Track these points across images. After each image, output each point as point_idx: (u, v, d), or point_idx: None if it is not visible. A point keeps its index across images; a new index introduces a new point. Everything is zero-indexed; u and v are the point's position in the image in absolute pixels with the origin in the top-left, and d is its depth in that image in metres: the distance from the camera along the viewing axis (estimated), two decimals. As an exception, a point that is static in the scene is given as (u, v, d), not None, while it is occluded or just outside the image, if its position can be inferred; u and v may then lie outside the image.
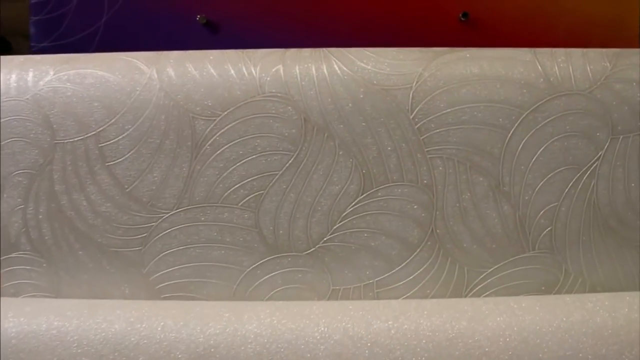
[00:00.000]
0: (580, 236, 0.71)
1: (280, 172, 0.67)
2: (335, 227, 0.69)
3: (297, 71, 0.66)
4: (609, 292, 0.72)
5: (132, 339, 0.64)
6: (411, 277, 0.71)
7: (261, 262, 0.70)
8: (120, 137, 0.66)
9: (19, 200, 0.68)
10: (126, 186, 0.67)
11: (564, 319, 0.67)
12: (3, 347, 0.62)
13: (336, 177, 0.67)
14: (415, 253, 0.70)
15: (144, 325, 0.65)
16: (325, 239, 0.69)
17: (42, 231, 0.69)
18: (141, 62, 0.67)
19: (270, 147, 0.66)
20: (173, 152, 0.66)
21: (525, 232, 0.70)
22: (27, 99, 0.67)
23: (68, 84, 0.66)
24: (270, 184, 0.67)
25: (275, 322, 0.66)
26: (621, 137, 0.68)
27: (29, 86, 0.68)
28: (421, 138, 0.67)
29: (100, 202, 0.67)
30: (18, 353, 0.62)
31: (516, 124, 0.67)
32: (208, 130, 0.66)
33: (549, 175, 0.69)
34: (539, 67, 0.67)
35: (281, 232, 0.69)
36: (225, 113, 0.66)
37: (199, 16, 1.01)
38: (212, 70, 0.66)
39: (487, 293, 0.72)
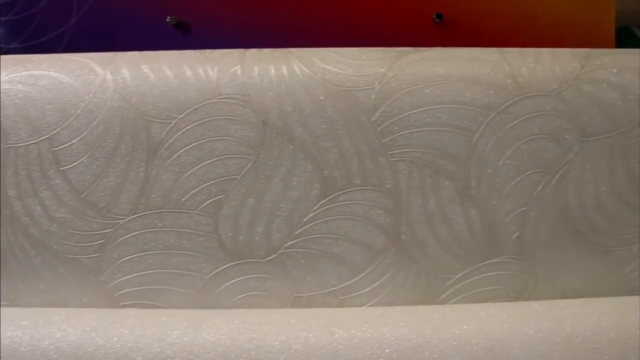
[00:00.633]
0: (550, 241, 0.68)
1: (239, 177, 0.64)
2: (296, 233, 0.66)
3: (256, 72, 0.63)
4: (580, 299, 0.69)
5: (88, 348, 0.61)
6: (376, 284, 0.68)
7: (221, 268, 0.67)
8: (74, 140, 0.63)
9: (-28, 205, 0.65)
10: (81, 191, 0.64)
11: (533, 327, 0.64)
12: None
13: (296, 181, 0.64)
14: (380, 259, 0.67)
15: (100, 335, 0.62)
16: (286, 245, 0.66)
17: (-5, 238, 0.66)
18: (95, 63, 0.64)
19: (228, 150, 0.63)
20: (129, 156, 0.63)
21: (493, 238, 0.67)
22: (-21, 101, 0.64)
23: (20, 85, 0.63)
24: (229, 189, 0.64)
25: (234, 330, 0.63)
26: (591, 139, 0.66)
27: (-20, 88, 0.65)
28: (384, 141, 0.64)
29: (55, 208, 0.64)
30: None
31: (482, 126, 0.64)
32: (164, 133, 0.63)
33: (518, 179, 0.66)
34: (507, 67, 0.64)
35: (241, 238, 0.66)
36: (182, 116, 0.63)
37: (169, 17, 0.98)
38: (168, 72, 0.63)
39: (455, 300, 0.70)
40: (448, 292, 0.70)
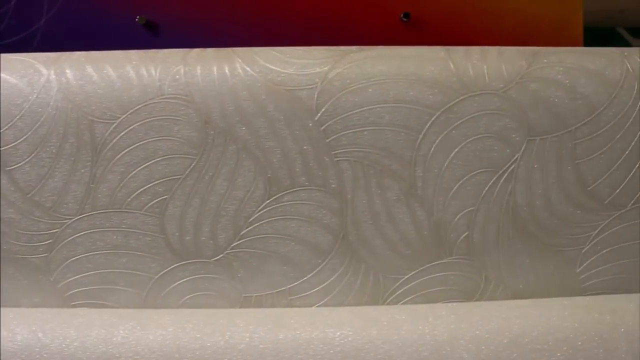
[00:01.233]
0: (499, 241, 0.67)
1: (183, 177, 0.64)
2: (242, 233, 0.65)
3: (199, 72, 0.62)
4: (529, 299, 0.68)
5: (35, 348, 0.62)
6: (325, 284, 0.68)
7: (169, 268, 0.67)
8: (19, 141, 0.63)
9: None
10: (27, 191, 0.64)
11: (480, 328, 0.64)
12: None
13: (240, 181, 0.64)
14: (327, 260, 0.67)
15: (46, 335, 0.62)
16: (233, 245, 0.66)
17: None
18: (40, 63, 0.64)
19: (171, 150, 0.63)
20: (73, 156, 0.63)
21: (441, 238, 0.66)
22: None
23: (-35, 86, 0.63)
24: (174, 189, 0.64)
25: (179, 330, 0.63)
26: (538, 138, 0.65)
27: None
28: (327, 140, 0.63)
29: (2, 208, 0.64)
30: None
31: (427, 126, 0.63)
32: (107, 133, 0.63)
33: (464, 179, 0.65)
34: (452, 66, 0.64)
35: (187, 238, 0.65)
36: (124, 116, 0.62)
37: (138, 17, 0.98)
38: (111, 72, 0.63)
39: (406, 300, 0.69)
40: (398, 292, 0.69)
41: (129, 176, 0.64)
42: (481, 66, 0.64)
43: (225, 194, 0.65)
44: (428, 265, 0.68)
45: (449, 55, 0.65)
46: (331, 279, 0.68)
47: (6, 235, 0.66)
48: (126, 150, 0.64)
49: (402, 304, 0.69)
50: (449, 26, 0.97)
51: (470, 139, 0.64)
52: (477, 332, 0.64)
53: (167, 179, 0.64)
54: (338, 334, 0.63)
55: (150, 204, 0.65)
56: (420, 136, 0.64)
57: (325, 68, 0.63)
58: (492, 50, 0.66)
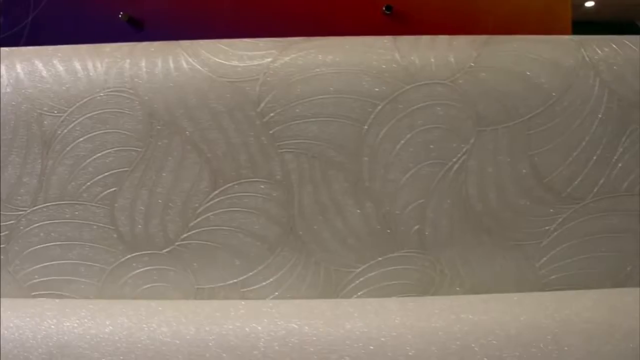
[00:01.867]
0: (453, 235, 0.67)
1: (131, 169, 0.65)
2: (191, 225, 0.66)
3: (143, 65, 0.63)
4: (485, 294, 0.67)
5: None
6: (276, 277, 0.68)
7: (122, 260, 0.68)
8: (-28, 134, 0.65)
9: None
10: (-17, 183, 0.66)
11: (429, 322, 0.63)
12: None
13: (186, 173, 0.64)
14: (277, 252, 0.67)
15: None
16: (182, 236, 0.67)
17: None
18: (-8, 58, 0.65)
19: (118, 143, 0.64)
20: (24, 149, 0.65)
21: (392, 231, 0.66)
22: None
23: None
24: (122, 181, 0.65)
25: (126, 320, 0.64)
26: (489, 129, 0.64)
27: None
28: (270, 132, 0.63)
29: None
30: None
31: (372, 116, 0.63)
32: (56, 126, 0.64)
33: (413, 170, 0.64)
34: (397, 56, 0.63)
35: (138, 229, 0.67)
36: (72, 109, 0.64)
37: (121, 13, 1.00)
38: (59, 66, 0.64)
39: (359, 294, 0.69)
40: (351, 286, 0.69)
41: (78, 168, 0.65)
42: (428, 55, 0.63)
43: (172, 186, 0.65)
44: (380, 259, 0.67)
45: (396, 44, 0.64)
46: (282, 272, 0.68)
47: (-34, 226, 0.68)
48: (75, 143, 0.65)
49: (355, 297, 0.69)
50: (432, 18, 0.96)
51: (418, 129, 0.63)
52: (426, 327, 0.63)
53: (115, 171, 0.65)
54: (284, 326, 0.63)
55: (100, 196, 0.66)
56: (366, 127, 0.63)
57: (269, 59, 0.63)
58: (442, 39, 0.65)
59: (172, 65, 0.64)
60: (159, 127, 0.64)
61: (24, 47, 0.67)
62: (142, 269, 0.69)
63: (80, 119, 0.64)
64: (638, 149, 0.65)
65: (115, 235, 0.68)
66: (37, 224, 0.68)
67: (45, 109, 0.64)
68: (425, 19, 0.93)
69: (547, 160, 0.65)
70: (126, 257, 0.68)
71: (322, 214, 0.66)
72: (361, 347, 0.62)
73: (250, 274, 0.68)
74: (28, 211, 0.67)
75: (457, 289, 0.69)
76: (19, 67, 0.65)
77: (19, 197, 0.67)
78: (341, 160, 0.64)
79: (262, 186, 0.65)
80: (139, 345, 0.63)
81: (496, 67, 0.63)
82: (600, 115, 0.64)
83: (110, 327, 0.64)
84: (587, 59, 0.63)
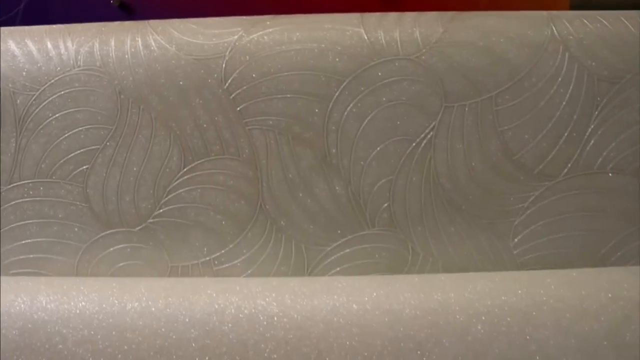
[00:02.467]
0: (423, 213, 0.67)
1: (102, 147, 0.67)
2: (162, 202, 0.68)
3: (112, 44, 0.66)
4: (456, 273, 0.68)
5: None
6: (248, 255, 0.70)
7: (96, 237, 0.70)
8: (-50, 113, 0.67)
9: None
10: (-39, 162, 0.68)
11: (398, 300, 0.64)
12: None
13: (156, 150, 0.66)
14: (247, 229, 0.69)
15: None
16: (154, 214, 0.69)
17: None
18: (-32, 38, 0.68)
19: (89, 121, 0.67)
20: (-1, 128, 0.67)
21: (361, 208, 0.67)
22: None
23: None
24: (94, 159, 0.67)
25: (97, 296, 0.66)
26: (456, 105, 0.64)
27: None
28: (237, 109, 0.65)
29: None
30: None
31: (337, 93, 0.64)
32: (29, 105, 0.67)
33: (380, 147, 0.66)
34: (362, 32, 0.64)
35: (110, 207, 0.69)
36: (44, 87, 0.66)
37: (112, -1, 1.02)
38: (31, 46, 0.67)
39: (331, 272, 0.70)
40: (323, 264, 0.70)
41: (51, 147, 0.68)
42: (394, 32, 0.64)
43: (143, 163, 0.67)
44: (351, 237, 0.68)
45: (362, 21, 0.65)
46: (254, 249, 0.69)
47: (-54, 204, 0.71)
48: (47, 121, 0.67)
49: (328, 276, 0.70)
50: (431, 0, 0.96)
51: (383, 106, 0.65)
52: (393, 305, 0.64)
53: (87, 148, 0.67)
54: (253, 303, 0.65)
55: (73, 174, 0.68)
56: (331, 104, 0.65)
57: (235, 37, 0.65)
58: (409, 16, 0.66)
59: (140, 43, 0.66)
60: (128, 105, 0.66)
61: (-1, 28, 0.69)
62: (116, 247, 0.71)
63: (52, 97, 0.67)
64: (610, 125, 0.65)
65: (89, 213, 0.70)
66: (14, 202, 0.70)
67: (18, 87, 0.67)
68: (424, 1, 0.93)
69: (517, 136, 0.65)
70: (100, 235, 0.70)
71: (291, 191, 0.67)
72: (329, 323, 0.63)
73: (223, 251, 0.70)
74: (5, 189, 0.70)
75: (430, 268, 0.69)
76: (-7, 47, 0.67)
77: (-5, 176, 0.69)
78: (308, 136, 0.66)
79: (230, 163, 0.67)
80: (110, 320, 0.65)
81: (463, 43, 0.64)
82: (570, 91, 0.64)
83: (82, 303, 0.66)
84: (556, 34, 0.64)
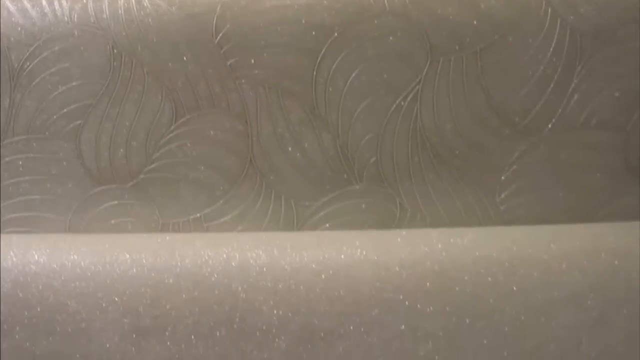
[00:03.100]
0: (410, 168, 0.70)
1: (95, 102, 0.70)
2: (154, 157, 0.71)
3: (106, 0, 0.69)
4: (444, 228, 0.71)
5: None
6: (238, 211, 0.73)
7: (89, 194, 0.73)
8: (-54, 70, 0.70)
9: None
10: (-44, 119, 0.71)
11: (384, 254, 0.66)
12: None
13: (148, 105, 0.70)
14: (237, 185, 0.72)
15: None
16: (146, 169, 0.71)
17: None
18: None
19: (82, 76, 0.70)
20: (-6, 84, 0.70)
21: (349, 162, 0.70)
22: None
23: None
24: (87, 114, 0.70)
25: (89, 251, 0.69)
26: (441, 59, 0.68)
27: None
28: (228, 63, 0.68)
29: None
30: None
31: (324, 47, 0.67)
32: (23, 60, 0.70)
33: (367, 101, 0.69)
34: (351, -12, 0.67)
35: (103, 163, 0.72)
36: (38, 43, 0.69)
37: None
38: (25, 2, 0.70)
39: (321, 228, 0.73)
40: (313, 219, 0.73)
41: (45, 102, 0.71)
42: (369, -12, 0.67)
43: (135, 118, 0.70)
44: (339, 192, 0.71)
45: (350, -24, 0.68)
46: (244, 205, 0.72)
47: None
48: (41, 77, 0.70)
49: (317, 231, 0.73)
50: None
51: (370, 60, 0.68)
52: (382, 257, 0.66)
53: (80, 104, 0.71)
54: (242, 255, 0.67)
55: (66, 129, 0.71)
56: (319, 58, 0.68)
57: (226, -8, 0.68)
58: (396, -28, 0.69)
59: (133, 0, 0.69)
60: (121, 60, 0.69)
61: (-6, -14, 0.73)
62: (108, 204, 0.74)
63: (46, 53, 0.70)
64: (593, 80, 0.68)
65: (82, 170, 0.73)
66: (7, 159, 0.73)
67: (12, 43, 0.70)
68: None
69: (502, 91, 0.68)
70: (92, 192, 0.73)
71: (280, 146, 0.70)
72: (317, 274, 0.66)
73: (213, 207, 0.73)
74: (-1, 146, 0.72)
75: (418, 224, 0.72)
76: (-12, 4, 0.71)
77: (-11, 132, 0.72)
78: (297, 90, 0.69)
79: (221, 117, 0.70)
80: (101, 272, 0.68)
81: (448, -2, 0.67)
82: (553, 46, 0.68)
83: (74, 257, 0.69)
84: (539, -11, 0.67)
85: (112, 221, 0.74)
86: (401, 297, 0.65)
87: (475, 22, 0.67)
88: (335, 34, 0.67)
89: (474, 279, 0.65)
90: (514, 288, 0.64)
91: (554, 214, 0.72)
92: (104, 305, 0.67)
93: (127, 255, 0.69)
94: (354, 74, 0.68)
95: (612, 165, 0.71)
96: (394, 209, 0.72)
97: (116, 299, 0.67)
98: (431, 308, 0.66)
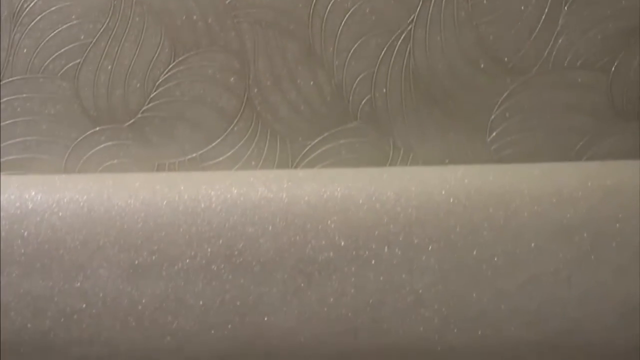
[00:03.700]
0: (403, 107, 0.74)
1: (94, 41, 0.73)
2: (152, 96, 0.74)
3: (105, -61, 0.72)
4: (436, 165, 0.74)
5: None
6: (234, 150, 0.76)
7: (86, 135, 0.76)
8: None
9: None
10: (-46, 60, 0.74)
11: (377, 190, 0.70)
12: None
13: (147, 44, 0.73)
14: (234, 124, 0.75)
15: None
16: (143, 109, 0.74)
17: None
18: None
19: (83, 14, 0.73)
20: (-6, 24, 0.73)
21: (343, 101, 0.74)
22: None
23: None
24: (86, 53, 0.73)
25: (85, 187, 0.72)
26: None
27: None
28: (227, 2, 0.71)
29: None
30: None
31: (321, -15, 0.71)
32: (22, 0, 0.72)
33: (361, 40, 0.72)
34: None
35: (100, 102, 0.74)
36: (38, -18, 0.72)
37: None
38: (26, -56, 0.73)
39: (316, 167, 0.75)
40: (308, 158, 0.76)
41: (44, 41, 0.74)
42: None
43: (134, 56, 0.73)
44: (334, 131, 0.75)
45: None
46: (239, 145, 0.75)
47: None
48: (42, 15, 0.73)
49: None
50: None
51: (365, 0, 0.71)
52: (377, 192, 0.70)
53: (80, 42, 0.74)
54: (237, 191, 0.70)
55: (64, 69, 0.74)
56: (315, -3, 0.71)
57: None
58: None
59: (133, -61, 0.72)
60: (120, -2, 0.72)
61: None
62: (104, 144, 0.77)
63: (46, -8, 0.73)
64: (578, 22, 0.73)
65: (79, 110, 0.76)
66: (5, 99, 0.76)
67: (13, -17, 0.73)
68: None
69: (492, 30, 0.73)
70: (89, 132, 0.76)
71: (277, 84, 0.74)
72: (313, 207, 0.69)
73: (209, 147, 0.76)
74: (-5, 86, 0.75)
75: (411, 163, 0.76)
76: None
77: (-12, 72, 0.75)
78: (294, 29, 0.72)
79: (219, 56, 0.73)
80: (98, 209, 0.71)
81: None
82: (540, -14, 0.72)
83: (72, 193, 0.72)
84: None
85: (108, 162, 0.77)
86: (396, 230, 0.69)
87: (465, -37, 0.71)
88: (331, -27, 0.71)
89: (468, 213, 0.69)
90: (507, 222, 0.68)
91: (542, 154, 0.76)
92: (101, 242, 0.69)
93: (125, 192, 0.71)
94: (349, 13, 0.72)
95: (598, 106, 0.75)
96: (388, 148, 0.75)
97: (113, 234, 0.69)
98: (426, 241, 0.69)
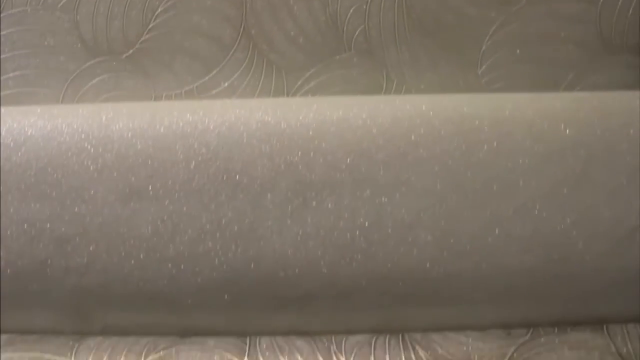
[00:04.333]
0: (397, 38, 0.78)
1: (93, -30, 0.76)
2: (150, 27, 0.77)
3: None
4: (431, 94, 0.78)
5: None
6: (231, 80, 0.79)
7: (84, 67, 0.79)
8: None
9: None
10: (-47, -8, 0.77)
11: (369, 116, 0.73)
12: None
13: (146, -28, 0.76)
14: (231, 54, 0.78)
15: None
16: (141, 39, 0.78)
17: None
18: None
19: (83, -55, 0.76)
20: (-6, -44, 0.76)
21: (338, 30, 0.77)
22: None
23: None
24: (86, -17, 0.76)
25: (83, 114, 0.74)
26: None
27: None
28: None
29: None
30: None
31: None
32: None
33: (356, -33, 0.76)
34: None
35: (99, 33, 0.78)
36: None
37: None
38: None
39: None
40: (304, 89, 0.79)
41: (44, -28, 0.77)
42: None
43: (133, -14, 0.77)
44: (329, 61, 0.78)
45: None
46: (235, 76, 0.79)
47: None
48: (41, -53, 0.77)
49: (307, 99, 0.79)
50: None
51: None
52: (371, 116, 0.73)
53: (78, -27, 0.77)
54: (234, 118, 0.73)
55: (64, 0, 0.77)
56: None
57: None
58: None
59: None
60: None
61: None
62: (102, 76, 0.80)
63: None
64: (565, -47, 0.77)
65: (78, 42, 0.79)
66: (3, 32, 0.79)
67: None
68: None
69: (482, -40, 0.76)
70: (88, 64, 0.79)
71: (273, 13, 0.77)
72: (310, 131, 0.72)
73: (206, 78, 0.79)
74: (-5, 18, 0.78)
75: (404, 94, 0.79)
76: None
77: (-13, 4, 0.78)
78: (289, -44, 0.76)
79: (217, -16, 0.77)
80: (98, 134, 0.74)
81: None
82: None
83: (70, 119, 0.74)
84: None
85: (105, 95, 0.80)
86: (392, 154, 0.72)
87: None
88: None
89: (463, 136, 0.72)
90: (500, 145, 0.72)
91: (533, 87, 0.79)
92: (98, 165, 0.72)
93: (123, 118, 0.74)
94: (342, -57, 0.76)
95: (587, 38, 0.78)
96: (381, 79, 0.79)
97: (110, 158, 0.72)
98: (422, 164, 0.72)
